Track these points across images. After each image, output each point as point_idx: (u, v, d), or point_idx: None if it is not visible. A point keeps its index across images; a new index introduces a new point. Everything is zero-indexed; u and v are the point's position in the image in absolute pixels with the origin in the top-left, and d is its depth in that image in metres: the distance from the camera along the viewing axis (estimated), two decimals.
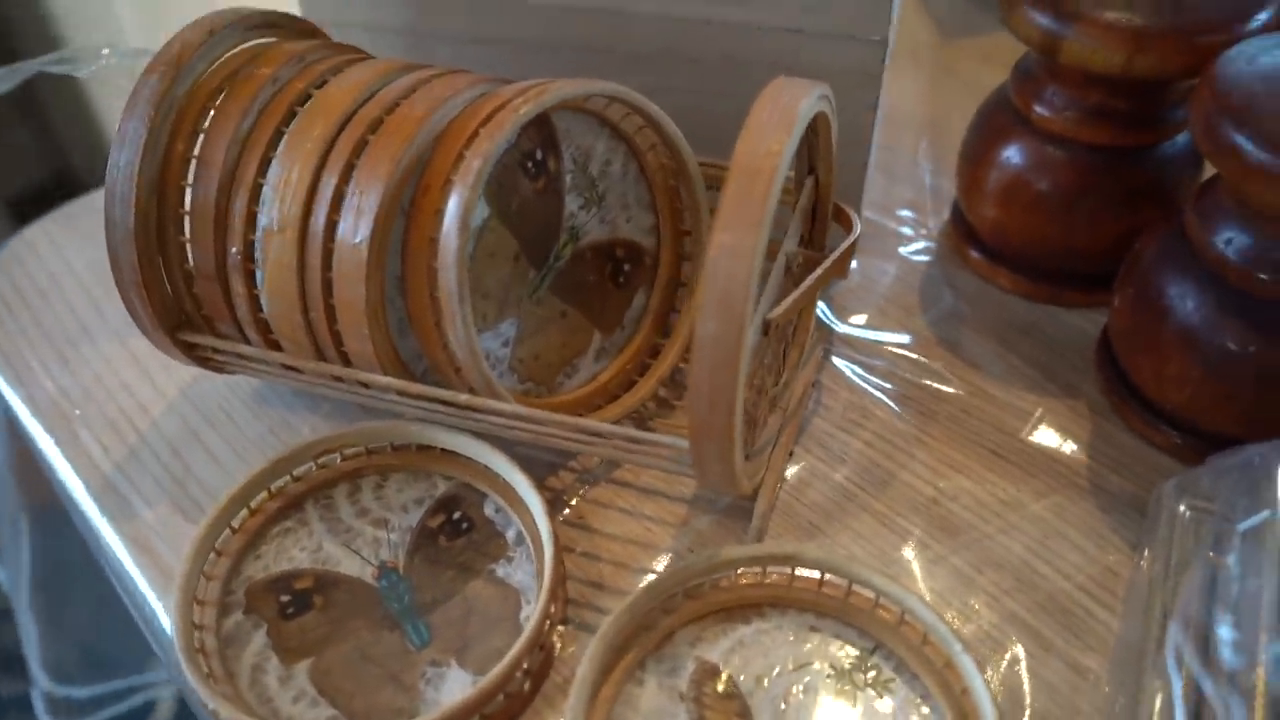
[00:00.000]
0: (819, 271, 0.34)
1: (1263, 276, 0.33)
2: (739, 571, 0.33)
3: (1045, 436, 0.39)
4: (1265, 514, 0.26)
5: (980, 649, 0.33)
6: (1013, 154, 0.40)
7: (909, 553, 0.36)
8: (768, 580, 0.33)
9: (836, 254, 0.35)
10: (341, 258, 0.32)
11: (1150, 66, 0.35)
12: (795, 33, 0.38)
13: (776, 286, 0.34)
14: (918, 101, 0.55)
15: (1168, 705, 0.24)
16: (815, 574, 0.33)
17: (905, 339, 0.43)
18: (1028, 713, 0.31)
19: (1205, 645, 0.25)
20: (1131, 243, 0.38)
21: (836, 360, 0.42)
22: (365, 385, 0.34)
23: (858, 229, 0.36)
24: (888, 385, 0.41)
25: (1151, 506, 0.34)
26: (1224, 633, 0.24)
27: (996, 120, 0.41)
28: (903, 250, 0.46)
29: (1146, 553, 0.32)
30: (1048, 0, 0.36)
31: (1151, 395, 0.37)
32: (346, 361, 0.34)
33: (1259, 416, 0.33)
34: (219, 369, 0.38)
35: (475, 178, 0.30)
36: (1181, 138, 0.39)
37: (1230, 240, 0.33)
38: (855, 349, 0.42)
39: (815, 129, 0.34)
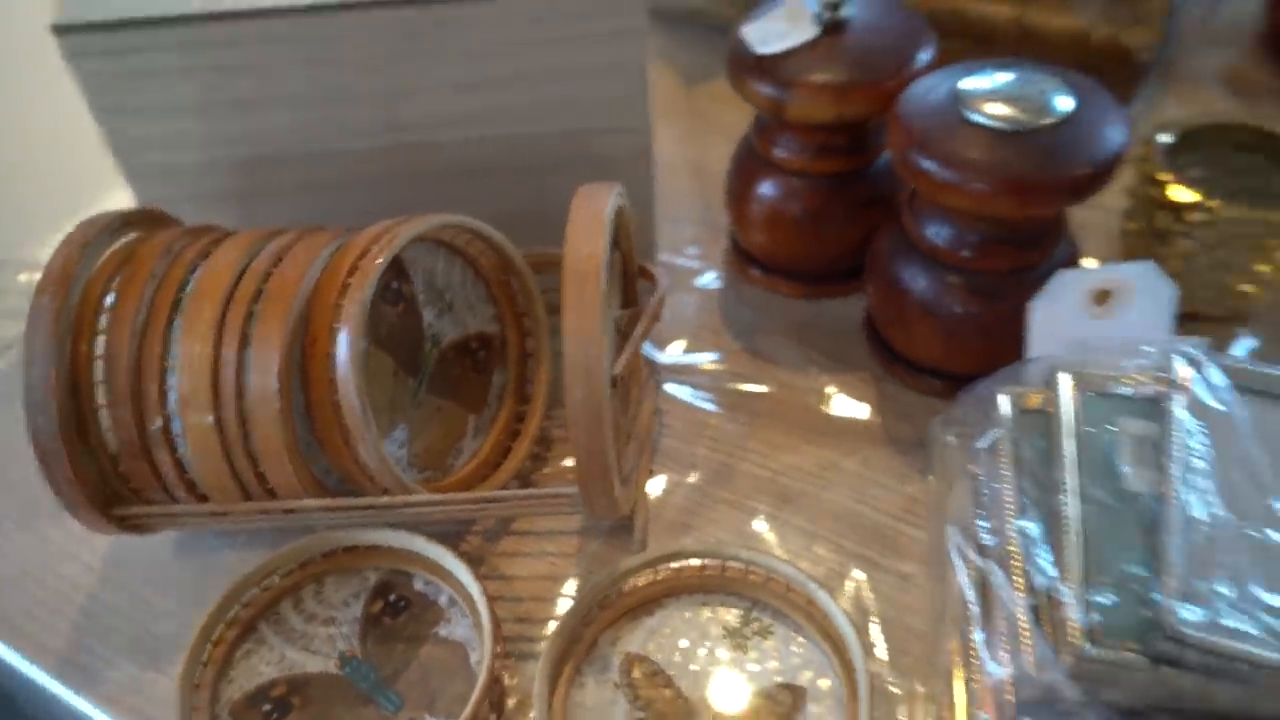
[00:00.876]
0: (642, 326, 0.43)
1: (966, 254, 0.43)
2: (636, 576, 0.41)
3: (843, 406, 0.49)
4: (995, 432, 0.36)
5: (830, 582, 0.42)
6: (766, 189, 0.50)
7: (761, 525, 0.44)
8: (660, 577, 0.41)
9: (653, 308, 0.44)
10: (254, 412, 0.37)
11: (856, 112, 0.45)
12: (579, 133, 0.46)
13: (612, 346, 0.42)
14: (681, 146, 0.64)
15: (960, 588, 0.33)
16: (696, 561, 0.41)
17: (718, 355, 0.52)
18: (875, 618, 0.40)
19: (975, 536, 0.34)
20: (870, 242, 0.48)
21: (669, 387, 0.50)
22: (291, 510, 0.40)
23: (663, 283, 0.45)
24: (714, 397, 0.50)
25: (928, 441, 0.44)
26: (982, 524, 0.34)
27: (747, 164, 0.51)
28: (697, 282, 0.55)
29: (931, 478, 0.42)
30: (767, 72, 0.46)
31: (909, 355, 0.47)
32: (272, 495, 0.40)
33: (987, 357, 0.44)
34: (148, 530, 0.42)
35: (355, 322, 0.37)
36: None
37: (938, 232, 0.44)
38: (681, 374, 0.51)
39: (619, 216, 0.43)
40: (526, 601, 0.43)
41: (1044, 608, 0.31)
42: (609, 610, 0.40)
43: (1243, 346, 0.49)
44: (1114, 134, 0.41)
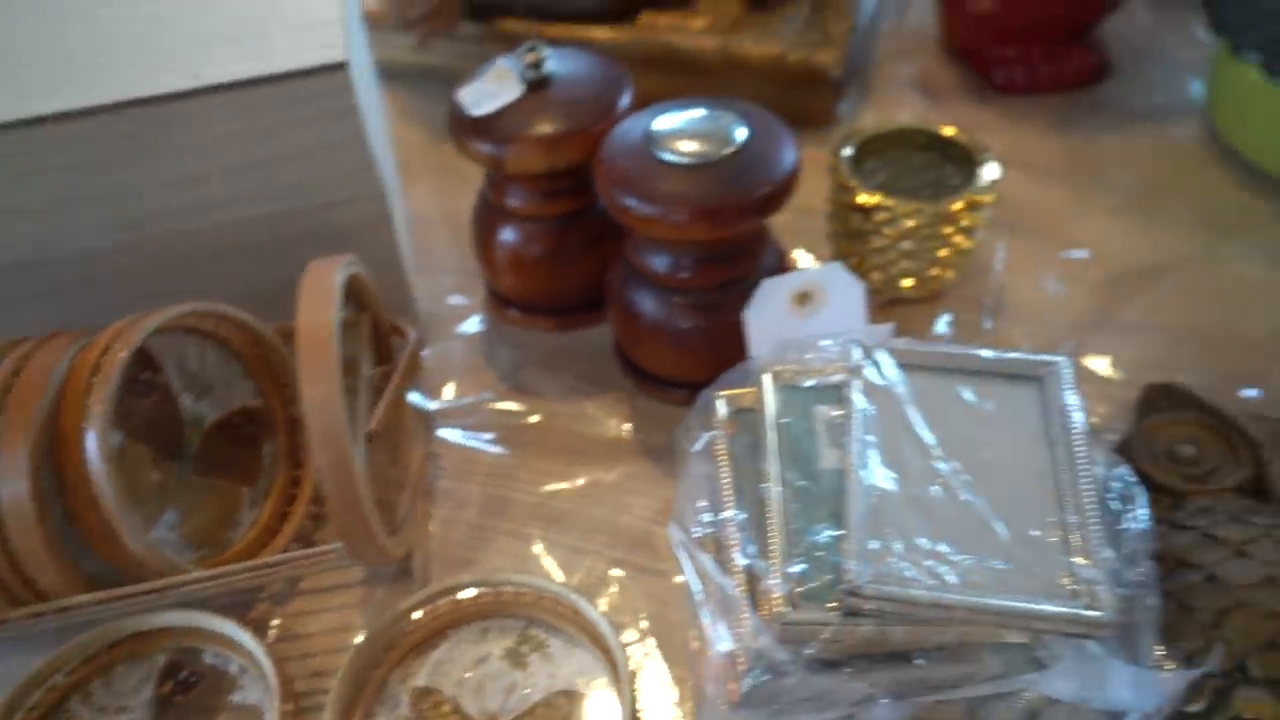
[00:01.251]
0: (395, 380, 0.46)
1: (684, 275, 0.48)
2: (417, 614, 0.43)
3: (603, 426, 0.53)
4: (710, 433, 0.41)
5: (599, 590, 0.46)
6: (506, 236, 0.53)
7: (538, 548, 0.48)
8: (441, 611, 0.44)
9: (405, 362, 0.47)
10: (8, 521, 0.38)
11: (568, 160, 0.49)
12: (314, 208, 0.49)
13: (368, 402, 0.45)
14: (434, 200, 0.67)
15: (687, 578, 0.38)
16: (472, 591, 0.44)
17: (486, 394, 0.55)
18: (641, 615, 0.44)
19: (696, 529, 0.39)
20: (605, 273, 0.52)
21: (443, 431, 0.53)
22: (66, 608, 0.41)
23: (413, 336, 0.48)
24: (486, 435, 0.53)
25: (675, 447, 0.49)
26: (702, 517, 0.38)
27: (485, 214, 0.54)
28: (460, 328, 0.58)
29: (679, 481, 0.47)
30: (484, 131, 0.49)
31: (652, 371, 0.52)
32: (42, 597, 0.40)
33: (718, 365, 0.48)
34: None
35: (102, 419, 0.38)
36: None
37: (656, 259, 0.48)
38: (453, 416, 0.54)
39: (356, 282, 0.45)
40: (319, 656, 0.45)
41: (753, 584, 0.36)
42: (395, 650, 0.43)
43: (943, 322, 0.56)
44: (786, 155, 0.46)
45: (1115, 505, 0.37)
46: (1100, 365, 0.53)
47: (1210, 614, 0.39)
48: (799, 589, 0.35)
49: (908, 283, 0.55)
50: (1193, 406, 0.48)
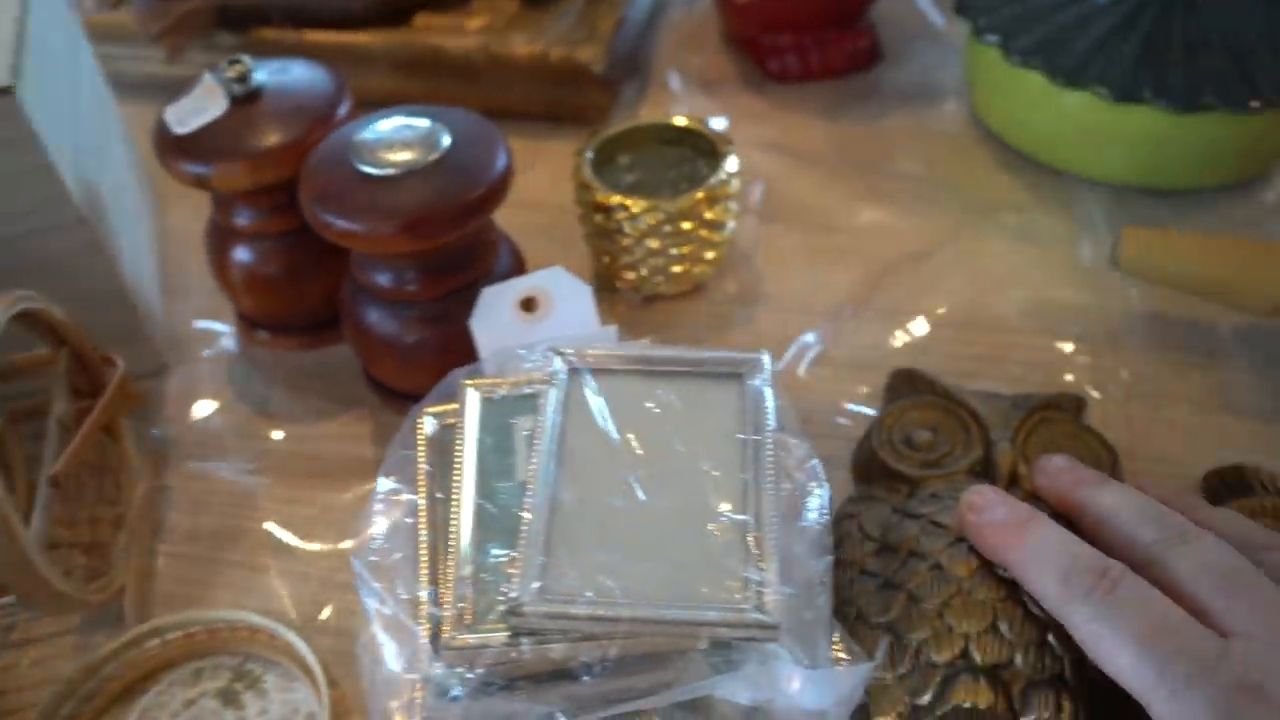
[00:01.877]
0: (93, 417, 0.43)
1: (410, 288, 0.47)
2: (118, 659, 0.41)
3: (347, 446, 0.51)
4: (403, 453, 0.40)
5: (320, 618, 0.44)
6: (240, 255, 0.51)
7: (269, 579, 0.46)
8: (150, 654, 0.42)
9: (107, 397, 0.44)
10: None
11: (275, 177, 0.47)
12: (10, 240, 0.46)
13: (58, 444, 0.43)
14: (191, 220, 0.64)
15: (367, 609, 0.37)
16: (179, 632, 0.42)
17: (232, 419, 0.53)
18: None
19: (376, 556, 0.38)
20: (337, 290, 0.51)
21: (188, 461, 0.51)
22: None
23: (120, 367, 0.46)
24: (227, 462, 0.51)
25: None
26: (379, 542, 0.37)
27: (215, 235, 0.52)
28: (209, 351, 0.56)
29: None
30: (187, 151, 0.47)
31: (392, 386, 0.50)
32: None
33: (435, 376, 0.47)
34: None
35: None
36: None
37: (378, 274, 0.47)
38: (193, 445, 0.52)
39: (44, 317, 0.43)
40: (27, 710, 0.43)
41: (427, 608, 0.35)
42: (98, 699, 0.41)
43: (702, 316, 0.56)
44: (496, 159, 0.45)
45: (809, 503, 0.37)
46: (858, 352, 0.53)
47: (936, 604, 0.39)
48: (468, 611, 0.34)
49: (662, 279, 0.54)
50: (931, 391, 0.48)
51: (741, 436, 0.38)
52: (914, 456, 0.45)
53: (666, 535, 0.35)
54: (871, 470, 0.46)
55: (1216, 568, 0.33)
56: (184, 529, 0.48)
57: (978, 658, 0.37)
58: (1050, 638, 0.37)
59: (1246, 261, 0.48)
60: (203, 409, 0.53)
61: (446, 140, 0.45)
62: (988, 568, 0.39)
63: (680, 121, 0.55)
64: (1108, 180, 0.59)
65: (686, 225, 0.52)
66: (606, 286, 0.57)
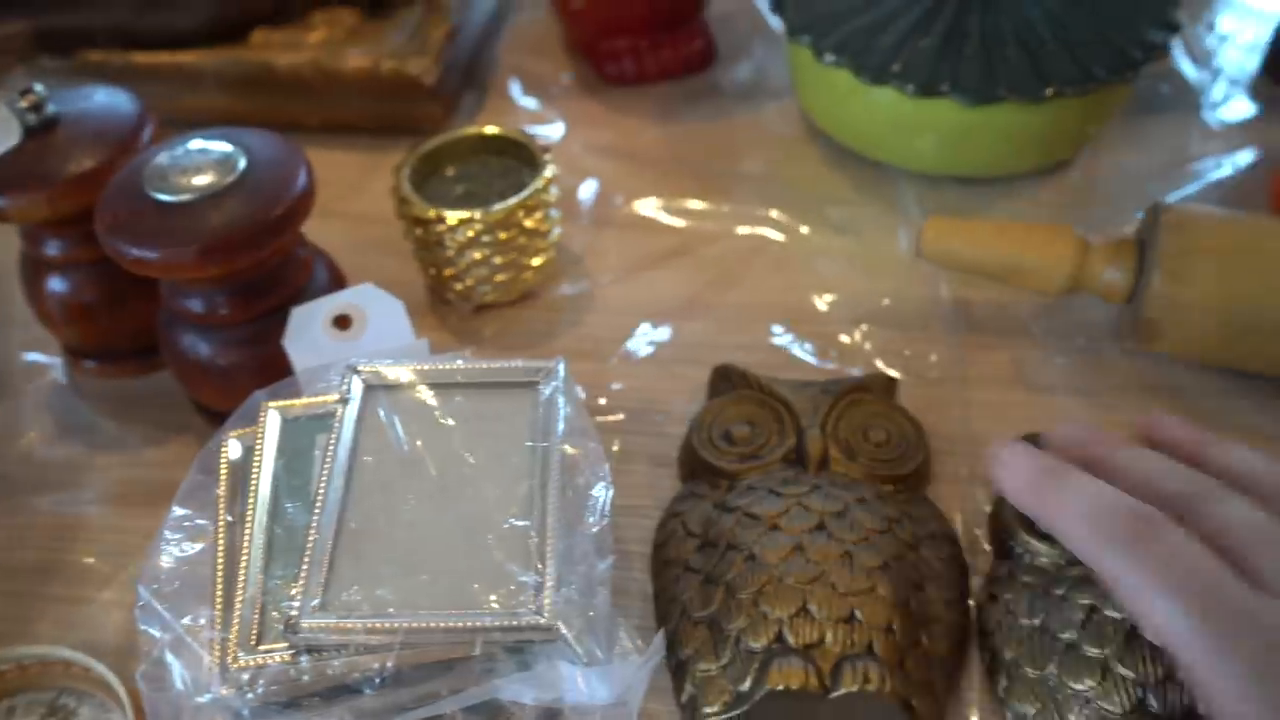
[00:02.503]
0: None
1: (222, 312, 0.47)
2: None
3: (176, 470, 0.50)
4: (196, 478, 0.40)
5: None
6: (54, 285, 0.51)
7: (96, 611, 0.46)
8: None
9: None
10: None
11: (75, 206, 0.47)
12: None
13: None
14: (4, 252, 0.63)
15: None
16: None
17: (59, 452, 0.52)
18: None
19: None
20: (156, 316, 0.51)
21: (12, 497, 0.50)
22: None
23: None
24: (52, 496, 0.50)
25: None
26: (166, 564, 0.37)
27: (29, 265, 0.51)
28: (37, 384, 0.55)
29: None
30: None
31: (215, 408, 0.50)
32: None
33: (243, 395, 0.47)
34: None
35: None
36: None
37: (187, 300, 0.47)
38: (25, 478, 0.51)
39: None
40: None
41: (210, 631, 0.35)
42: None
43: (534, 323, 0.57)
44: (296, 177, 0.45)
45: (592, 505, 0.38)
46: (686, 351, 0.54)
47: (751, 593, 0.40)
48: (253, 633, 0.35)
49: (489, 288, 0.55)
50: (746, 385, 0.50)
51: (531, 444, 0.39)
52: (732, 451, 0.47)
53: (450, 546, 0.36)
54: (695, 468, 0.47)
55: (1249, 523, 0.32)
56: (3, 565, 0.48)
57: (791, 640, 0.38)
58: (856, 613, 0.39)
59: (1035, 245, 0.50)
60: (30, 443, 0.53)
61: (243, 162, 0.45)
62: (799, 551, 0.40)
63: (494, 131, 0.56)
64: (921, 171, 0.61)
65: (504, 235, 0.53)
66: (438, 298, 0.57)
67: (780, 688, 0.37)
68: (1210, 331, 0.48)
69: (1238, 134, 0.65)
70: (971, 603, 0.43)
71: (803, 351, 0.53)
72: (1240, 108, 0.67)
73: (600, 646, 0.35)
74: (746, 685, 0.38)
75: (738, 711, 0.38)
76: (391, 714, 0.34)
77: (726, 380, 0.51)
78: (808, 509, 0.42)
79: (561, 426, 0.39)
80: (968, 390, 0.51)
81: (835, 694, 0.37)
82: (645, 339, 0.55)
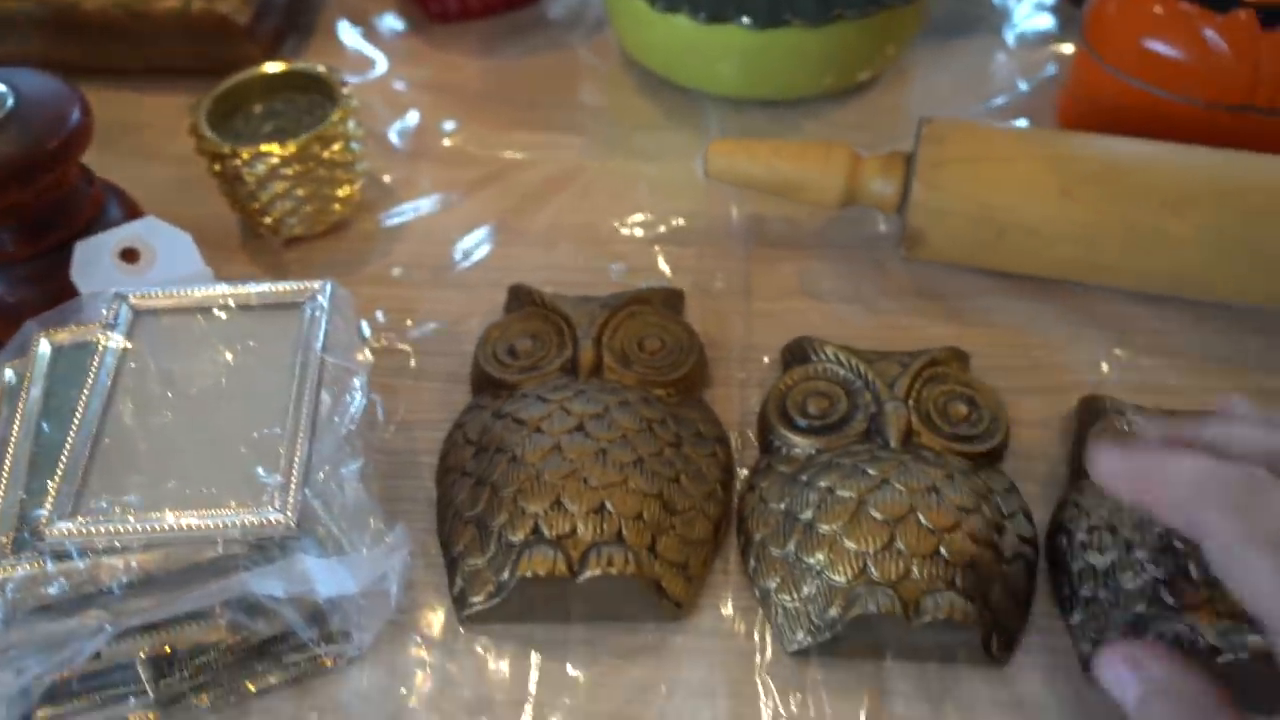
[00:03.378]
0: None
1: (8, 249, 0.47)
2: None
3: None
4: None
5: None
6: None
7: None
8: None
9: None
10: None
11: None
12: None
13: None
14: None
15: None
16: None
17: None
18: None
19: None
20: None
21: None
22: None
23: None
24: None
25: None
26: None
27: None
28: None
29: None
30: None
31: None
32: None
33: None
34: None
35: None
36: None
37: None
38: None
39: None
40: None
41: None
42: None
43: (340, 254, 0.58)
44: (68, 114, 0.46)
45: (344, 413, 0.40)
46: (493, 274, 0.56)
47: (511, 491, 0.42)
48: (7, 545, 0.36)
49: (296, 221, 0.56)
50: (533, 303, 0.52)
51: (291, 361, 0.41)
52: (514, 364, 0.49)
53: (201, 456, 0.38)
54: (481, 382, 0.49)
55: None
56: None
57: (546, 532, 0.41)
58: (607, 504, 0.41)
59: (811, 161, 0.53)
60: None
61: (11, 101, 0.45)
62: (556, 451, 0.43)
63: (285, 67, 0.57)
64: (725, 95, 0.63)
65: (302, 168, 0.54)
66: (252, 233, 0.58)
67: (529, 574, 0.40)
68: (969, 236, 0.51)
69: (1037, 52, 0.68)
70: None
71: (599, 271, 0.55)
72: (1041, 23, 0.70)
73: (346, 542, 0.37)
74: (505, 575, 0.41)
75: (498, 600, 0.41)
76: (142, 613, 0.36)
77: (518, 299, 0.52)
78: (568, 412, 0.44)
79: (321, 343, 0.41)
80: (751, 301, 0.54)
81: (582, 578, 0.40)
82: (453, 264, 0.57)
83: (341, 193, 0.57)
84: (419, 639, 0.42)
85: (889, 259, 0.55)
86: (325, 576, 0.37)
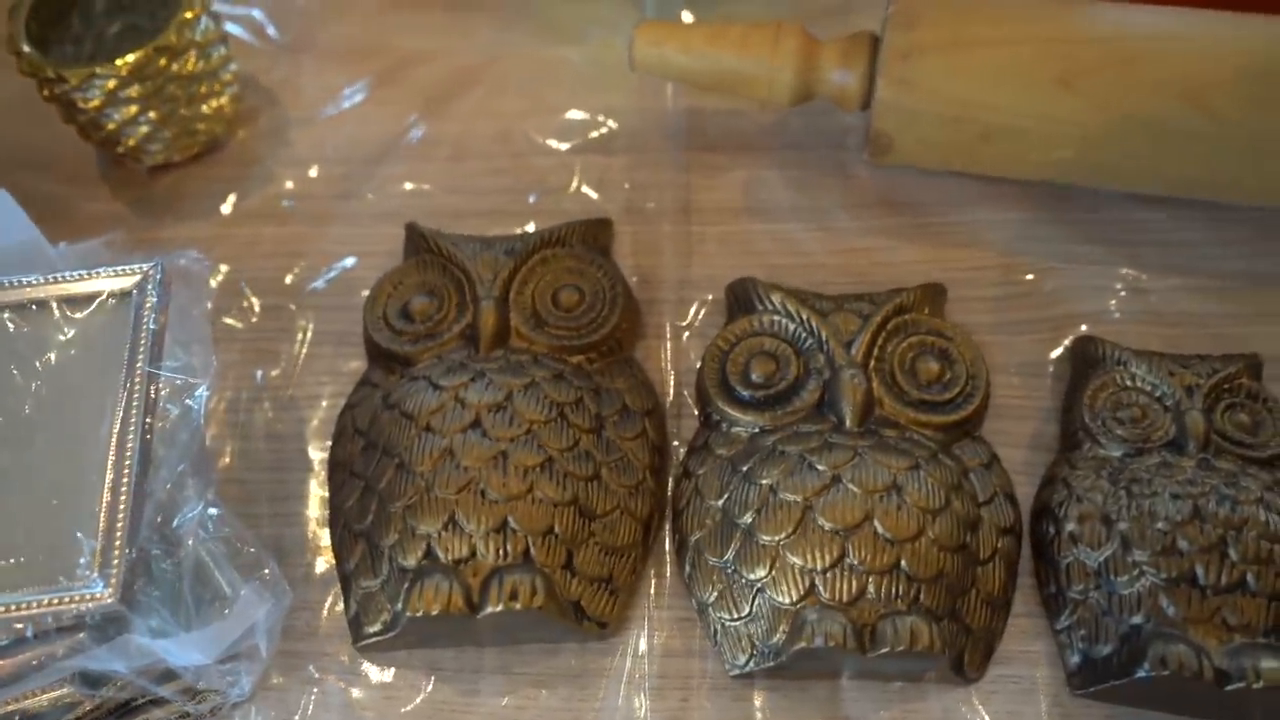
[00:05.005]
0: None
1: None
2: None
3: None
4: None
5: None
6: None
7: None
8: None
9: None
10: None
11: None
12: None
13: None
14: None
15: None
16: None
17: None
18: None
19: None
20: None
21: None
22: None
23: None
24: None
25: None
26: None
27: None
28: None
29: None
30: None
31: None
32: None
33: None
34: None
35: None
36: None
37: None
38: None
39: None
40: None
41: None
42: None
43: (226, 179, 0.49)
44: None
45: (179, 439, 0.33)
46: (392, 202, 0.47)
47: (400, 506, 0.36)
48: None
49: (159, 146, 0.48)
50: (428, 248, 0.43)
51: (117, 373, 0.33)
52: (409, 331, 0.41)
53: (4, 513, 0.31)
54: (374, 351, 0.42)
55: None
56: None
57: (441, 556, 0.35)
58: (510, 520, 0.35)
59: (756, 47, 0.43)
60: None
61: None
62: (449, 457, 0.36)
63: None
64: None
65: (145, 88, 0.44)
66: (111, 162, 0.50)
67: (419, 614, 0.34)
68: (946, 140, 0.42)
69: None
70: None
71: (515, 194, 0.47)
72: None
73: (189, 607, 0.31)
74: (400, 605, 0.35)
75: (395, 633, 0.35)
76: None
77: (413, 241, 0.44)
78: (464, 404, 0.37)
79: (148, 354, 0.34)
80: (691, 224, 0.45)
81: (482, 614, 0.34)
82: (344, 192, 0.48)
83: (207, 109, 0.48)
84: (314, 670, 0.37)
85: (854, 162, 0.47)
86: (170, 651, 0.31)
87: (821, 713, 0.35)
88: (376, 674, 0.37)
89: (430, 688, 0.36)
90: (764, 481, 0.36)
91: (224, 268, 0.46)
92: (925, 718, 0.34)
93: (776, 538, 0.34)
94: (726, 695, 0.35)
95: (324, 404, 0.42)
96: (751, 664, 0.34)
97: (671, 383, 0.41)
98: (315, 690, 0.36)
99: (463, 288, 0.42)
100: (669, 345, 0.42)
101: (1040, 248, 0.43)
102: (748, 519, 0.35)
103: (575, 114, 0.49)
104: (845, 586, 0.33)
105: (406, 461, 0.36)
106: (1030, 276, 0.43)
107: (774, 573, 0.34)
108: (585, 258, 0.42)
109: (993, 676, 0.35)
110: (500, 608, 0.34)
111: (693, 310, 0.43)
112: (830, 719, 0.35)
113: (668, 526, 0.38)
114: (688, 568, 0.37)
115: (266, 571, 0.34)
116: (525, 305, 0.41)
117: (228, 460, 0.41)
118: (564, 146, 0.48)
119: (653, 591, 0.37)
